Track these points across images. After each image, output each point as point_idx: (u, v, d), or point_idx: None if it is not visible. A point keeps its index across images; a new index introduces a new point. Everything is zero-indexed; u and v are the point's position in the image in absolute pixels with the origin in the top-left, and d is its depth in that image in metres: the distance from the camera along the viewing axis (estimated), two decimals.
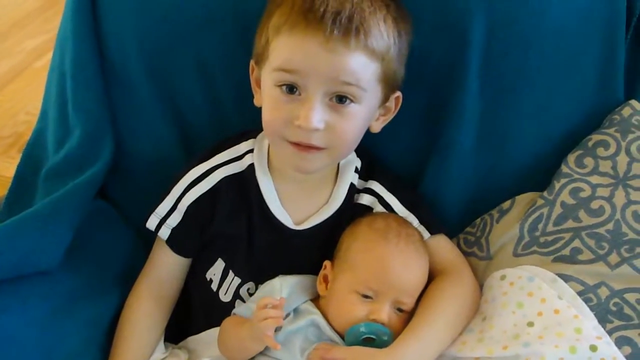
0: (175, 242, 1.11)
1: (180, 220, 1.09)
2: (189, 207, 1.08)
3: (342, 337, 1.00)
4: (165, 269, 1.13)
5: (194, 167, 1.09)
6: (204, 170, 1.08)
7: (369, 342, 0.97)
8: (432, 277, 1.06)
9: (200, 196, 1.08)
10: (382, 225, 1.04)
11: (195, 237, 1.11)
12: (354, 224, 1.07)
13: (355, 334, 0.98)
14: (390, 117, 1.07)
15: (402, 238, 1.02)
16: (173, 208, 1.09)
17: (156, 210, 1.09)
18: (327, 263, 1.05)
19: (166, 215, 1.09)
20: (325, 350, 0.96)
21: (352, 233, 1.05)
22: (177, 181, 1.09)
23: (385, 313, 0.98)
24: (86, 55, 1.16)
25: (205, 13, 1.12)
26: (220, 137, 1.14)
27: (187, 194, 1.08)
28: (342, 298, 1.00)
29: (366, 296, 0.99)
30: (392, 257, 1.00)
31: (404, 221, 1.07)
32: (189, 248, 1.12)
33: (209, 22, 1.13)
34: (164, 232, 1.10)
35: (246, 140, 1.11)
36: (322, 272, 1.05)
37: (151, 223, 1.10)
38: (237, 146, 1.11)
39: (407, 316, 1.01)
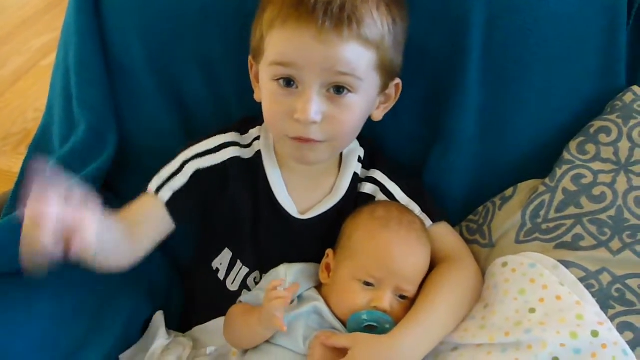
0: (175, 206, 1.05)
1: (185, 184, 1.05)
2: (195, 172, 1.05)
3: (344, 324, 1.00)
4: (147, 221, 1.05)
5: (204, 140, 1.08)
6: (216, 144, 1.07)
7: (371, 329, 0.98)
8: (434, 264, 1.06)
9: (210, 167, 1.06)
10: (384, 213, 1.04)
11: (197, 206, 1.08)
12: (355, 213, 1.07)
13: (357, 321, 0.98)
14: (391, 104, 1.08)
15: (403, 225, 1.02)
16: (178, 171, 1.06)
17: (159, 173, 1.06)
18: (329, 251, 1.06)
19: (169, 178, 1.06)
20: (327, 337, 0.97)
21: (353, 222, 1.06)
22: (186, 149, 1.07)
23: (387, 301, 0.99)
24: (90, 51, 1.17)
25: (205, 7, 1.13)
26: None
27: (196, 160, 1.06)
28: (344, 286, 1.00)
29: (368, 284, 1.00)
30: (393, 244, 1.01)
31: (405, 209, 1.08)
32: (187, 215, 1.08)
33: (209, 16, 1.13)
34: (165, 194, 1.05)
35: (254, 127, 1.11)
36: (324, 261, 1.06)
37: (152, 185, 1.06)
38: (246, 135, 1.11)
39: (409, 303, 1.01)
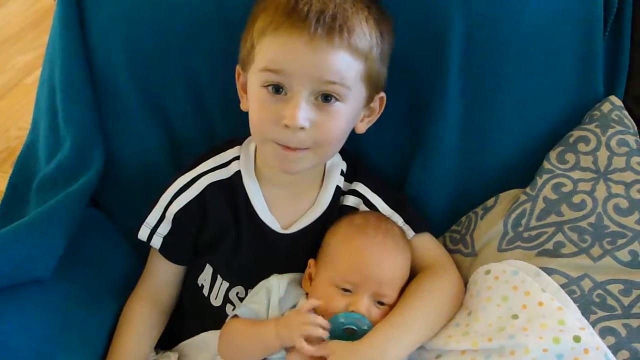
0: (168, 250, 1.12)
1: (170, 229, 1.10)
2: (176, 215, 1.09)
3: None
4: (161, 276, 1.15)
5: (181, 176, 1.11)
6: (190, 179, 1.10)
7: (351, 334, 0.98)
8: (416, 274, 1.06)
9: (187, 204, 1.09)
10: (361, 220, 1.06)
11: (187, 245, 1.12)
12: (336, 223, 1.08)
13: (335, 325, 0.98)
14: (375, 118, 1.09)
15: (380, 231, 1.03)
16: (162, 217, 1.10)
17: (146, 221, 1.11)
18: (311, 261, 1.07)
19: (156, 225, 1.11)
20: (302, 347, 0.96)
21: (333, 230, 1.07)
22: (165, 190, 1.10)
23: (363, 305, 0.99)
24: (75, 68, 1.17)
25: (190, 23, 1.14)
26: (208, 144, 1.15)
27: (174, 203, 1.09)
28: (323, 292, 1.01)
29: (346, 290, 1.00)
30: (369, 249, 1.01)
31: (384, 217, 1.09)
32: (182, 255, 1.14)
33: (194, 31, 1.14)
34: (156, 241, 1.11)
35: (232, 147, 1.13)
36: (307, 270, 1.07)
37: (142, 234, 1.11)
38: (223, 153, 1.12)
39: (390, 310, 1.01)
